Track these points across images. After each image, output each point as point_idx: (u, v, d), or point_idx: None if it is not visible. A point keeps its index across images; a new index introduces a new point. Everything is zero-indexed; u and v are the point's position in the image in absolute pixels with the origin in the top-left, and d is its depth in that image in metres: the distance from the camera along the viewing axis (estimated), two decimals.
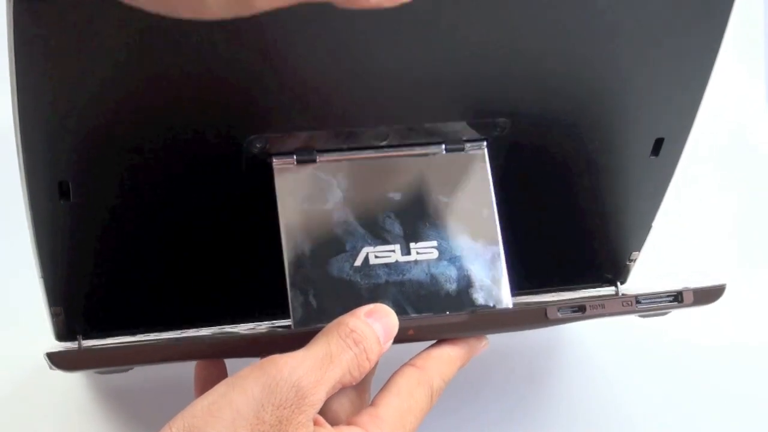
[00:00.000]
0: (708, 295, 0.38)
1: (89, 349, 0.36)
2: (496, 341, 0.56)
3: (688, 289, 0.38)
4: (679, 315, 0.56)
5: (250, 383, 0.31)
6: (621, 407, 0.54)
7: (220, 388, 0.32)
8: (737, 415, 0.54)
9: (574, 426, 0.53)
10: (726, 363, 0.56)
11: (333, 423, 0.34)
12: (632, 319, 0.54)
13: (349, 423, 0.34)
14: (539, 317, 0.37)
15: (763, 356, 0.56)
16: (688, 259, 0.62)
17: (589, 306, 0.37)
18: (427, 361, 0.36)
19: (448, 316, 0.37)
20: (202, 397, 0.31)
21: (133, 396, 0.49)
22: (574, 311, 0.37)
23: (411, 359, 0.37)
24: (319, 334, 0.34)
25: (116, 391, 0.49)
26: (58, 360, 0.34)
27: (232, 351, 0.35)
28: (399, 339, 0.36)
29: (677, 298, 0.38)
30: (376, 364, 0.37)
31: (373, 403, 0.35)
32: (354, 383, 0.34)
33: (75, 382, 0.49)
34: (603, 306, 0.37)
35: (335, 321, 0.34)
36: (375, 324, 0.34)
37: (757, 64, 0.66)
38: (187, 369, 0.46)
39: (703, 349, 0.56)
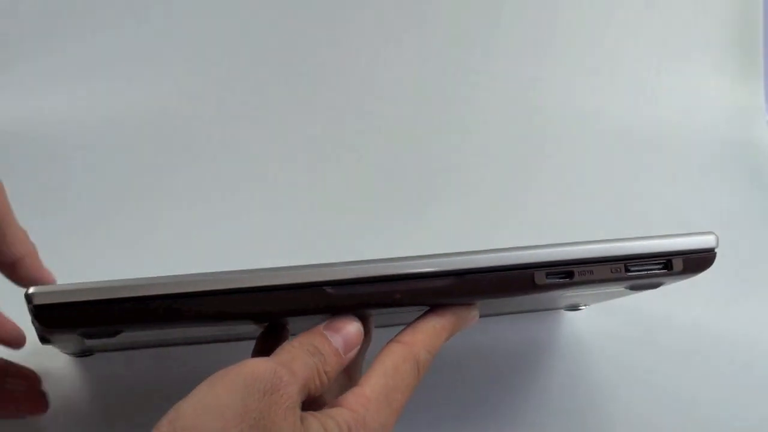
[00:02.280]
0: (698, 262, 0.38)
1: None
2: (491, 342, 0.57)
3: (677, 257, 0.38)
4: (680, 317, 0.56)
5: (231, 377, 0.32)
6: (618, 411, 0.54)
7: (201, 387, 0.32)
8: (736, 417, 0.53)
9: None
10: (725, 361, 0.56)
11: (320, 407, 0.34)
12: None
13: (334, 405, 0.34)
14: (526, 282, 0.36)
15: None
16: None
17: (578, 272, 0.37)
18: (413, 336, 0.36)
19: (434, 279, 0.36)
20: (185, 398, 0.32)
21: (119, 398, 0.50)
22: (562, 277, 0.36)
23: (396, 335, 0.37)
24: (278, 349, 0.35)
25: (104, 393, 0.50)
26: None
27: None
28: (385, 304, 0.36)
29: (667, 266, 0.38)
30: (363, 353, 0.38)
31: (359, 383, 0.35)
32: (317, 393, 0.35)
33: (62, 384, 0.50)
34: (592, 272, 0.37)
35: (295, 338, 0.35)
36: (334, 336, 0.35)
37: (756, 67, 0.66)
38: (175, 370, 0.47)
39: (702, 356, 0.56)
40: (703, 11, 0.67)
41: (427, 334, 0.36)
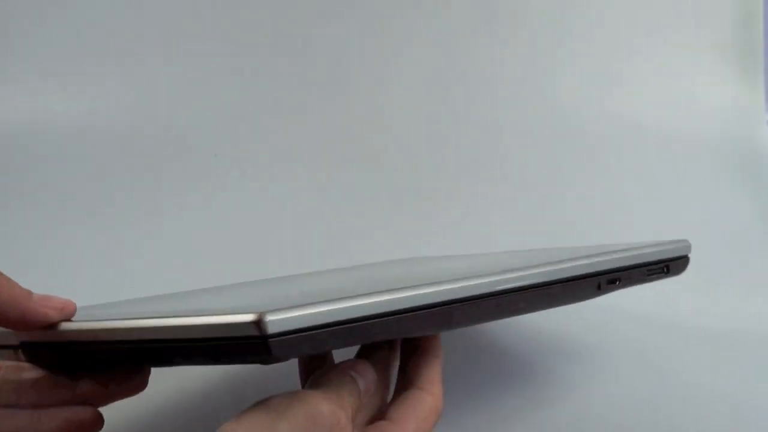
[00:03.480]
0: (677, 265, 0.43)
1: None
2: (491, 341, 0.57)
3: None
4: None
5: (290, 411, 0.31)
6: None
7: (257, 413, 0.30)
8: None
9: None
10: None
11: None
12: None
13: None
14: (592, 289, 0.38)
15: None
16: (696, 264, 0.62)
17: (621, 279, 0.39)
18: (434, 386, 0.37)
19: (549, 287, 0.36)
20: (238, 420, 0.30)
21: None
22: (611, 283, 0.39)
23: (416, 381, 0.37)
24: (328, 381, 0.34)
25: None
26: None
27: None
28: (478, 319, 0.35)
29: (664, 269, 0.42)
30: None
31: (394, 421, 0.35)
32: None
33: None
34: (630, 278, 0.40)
35: (331, 369, 0.35)
36: (359, 380, 0.35)
37: (756, 68, 0.67)
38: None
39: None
40: (703, 11, 0.67)
41: (440, 382, 0.37)
